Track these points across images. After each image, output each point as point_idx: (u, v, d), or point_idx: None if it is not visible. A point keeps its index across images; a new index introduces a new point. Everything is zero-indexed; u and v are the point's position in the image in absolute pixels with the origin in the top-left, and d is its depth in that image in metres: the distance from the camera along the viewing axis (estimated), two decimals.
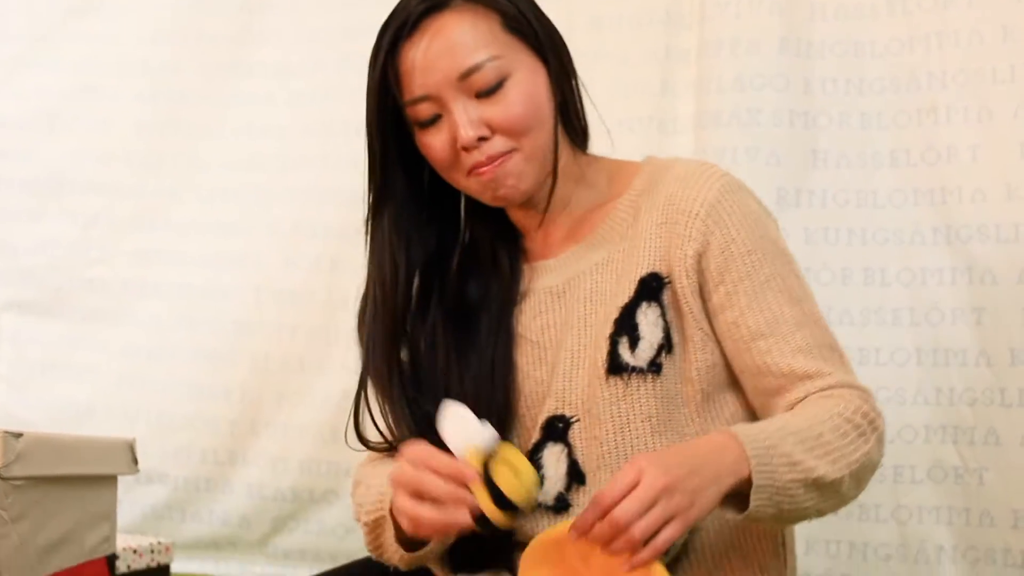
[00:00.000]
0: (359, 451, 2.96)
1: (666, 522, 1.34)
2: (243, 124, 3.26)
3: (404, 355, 1.68)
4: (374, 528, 1.58)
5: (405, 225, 1.67)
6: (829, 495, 1.48)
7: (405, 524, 1.46)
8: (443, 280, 1.69)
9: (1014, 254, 2.56)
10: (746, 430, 1.44)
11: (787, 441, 1.43)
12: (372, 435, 1.69)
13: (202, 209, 3.27)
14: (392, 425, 1.65)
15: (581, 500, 1.59)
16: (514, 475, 1.41)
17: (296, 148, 3.21)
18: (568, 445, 1.59)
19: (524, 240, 1.72)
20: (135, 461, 2.01)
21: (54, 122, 3.35)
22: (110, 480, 1.96)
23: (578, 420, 1.59)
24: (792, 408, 1.54)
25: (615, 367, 1.56)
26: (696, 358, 1.58)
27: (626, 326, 1.57)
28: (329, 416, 3.10)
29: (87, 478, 1.88)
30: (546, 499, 1.60)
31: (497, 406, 1.62)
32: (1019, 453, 2.53)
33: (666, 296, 1.58)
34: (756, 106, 2.71)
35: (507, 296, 1.68)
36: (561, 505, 1.59)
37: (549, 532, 1.48)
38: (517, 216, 1.70)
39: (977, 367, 2.59)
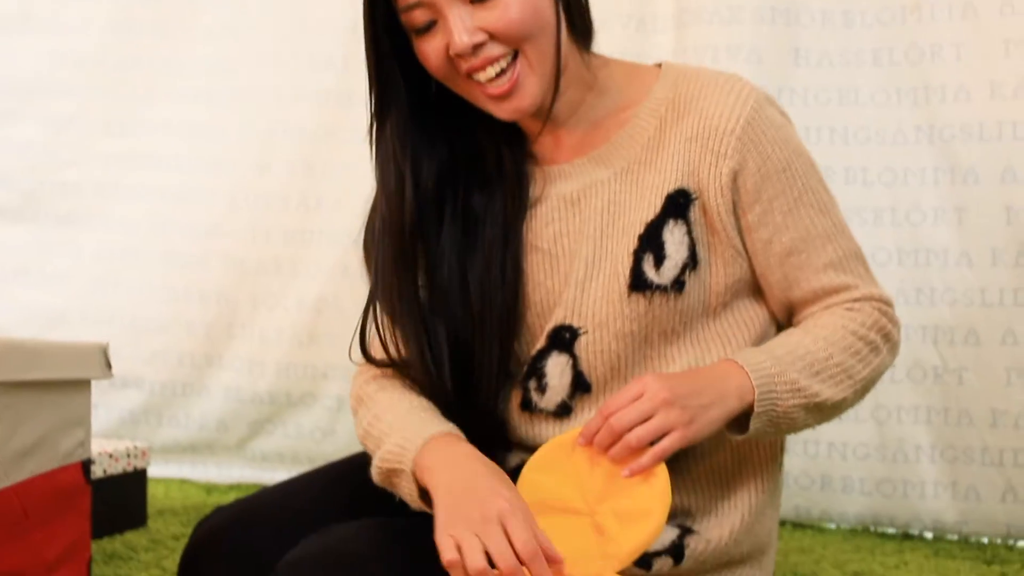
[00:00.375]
0: (337, 361, 2.96)
1: (664, 433, 1.39)
2: (218, 26, 3.20)
3: (418, 277, 1.63)
4: (389, 474, 1.55)
5: (411, 137, 1.61)
6: (831, 413, 1.53)
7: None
8: (456, 193, 1.65)
9: (997, 153, 2.55)
10: (753, 358, 1.47)
11: (795, 367, 1.47)
12: (376, 351, 1.65)
13: (176, 112, 3.22)
14: (400, 345, 1.62)
15: (585, 407, 1.58)
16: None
17: (271, 48, 3.16)
18: (574, 356, 1.57)
19: (534, 145, 1.68)
20: (108, 365, 1.99)
21: (26, 25, 3.29)
22: (83, 385, 1.94)
23: (586, 333, 1.57)
24: (813, 314, 1.58)
25: (638, 284, 1.54)
26: (724, 273, 1.57)
27: (652, 243, 1.55)
28: (306, 319, 3.09)
29: (60, 383, 1.86)
30: (548, 406, 1.59)
31: (504, 315, 1.60)
32: (998, 353, 2.54)
33: (693, 213, 1.55)
34: (737, 3, 2.67)
35: (515, 203, 1.64)
36: (563, 411, 1.59)
37: (558, 439, 1.49)
38: (527, 122, 1.66)
39: (958, 267, 2.59)
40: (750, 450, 1.60)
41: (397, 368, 1.62)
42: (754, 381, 1.44)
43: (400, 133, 1.59)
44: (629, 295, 1.54)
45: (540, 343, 1.58)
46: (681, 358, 1.55)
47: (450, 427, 1.52)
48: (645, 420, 1.39)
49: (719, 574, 1.59)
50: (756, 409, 1.44)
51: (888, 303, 1.60)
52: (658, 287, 1.53)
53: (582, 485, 1.44)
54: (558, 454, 1.46)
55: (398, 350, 1.60)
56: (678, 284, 1.53)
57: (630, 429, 1.38)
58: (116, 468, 2.37)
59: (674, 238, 1.54)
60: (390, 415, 1.57)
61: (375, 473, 1.54)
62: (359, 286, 3.02)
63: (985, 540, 2.58)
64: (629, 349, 1.55)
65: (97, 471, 2.30)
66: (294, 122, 3.13)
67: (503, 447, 1.62)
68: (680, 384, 1.42)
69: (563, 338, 1.57)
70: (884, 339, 1.57)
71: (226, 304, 3.16)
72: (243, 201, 3.16)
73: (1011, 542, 2.55)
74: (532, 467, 1.48)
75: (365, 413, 1.63)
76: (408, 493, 1.50)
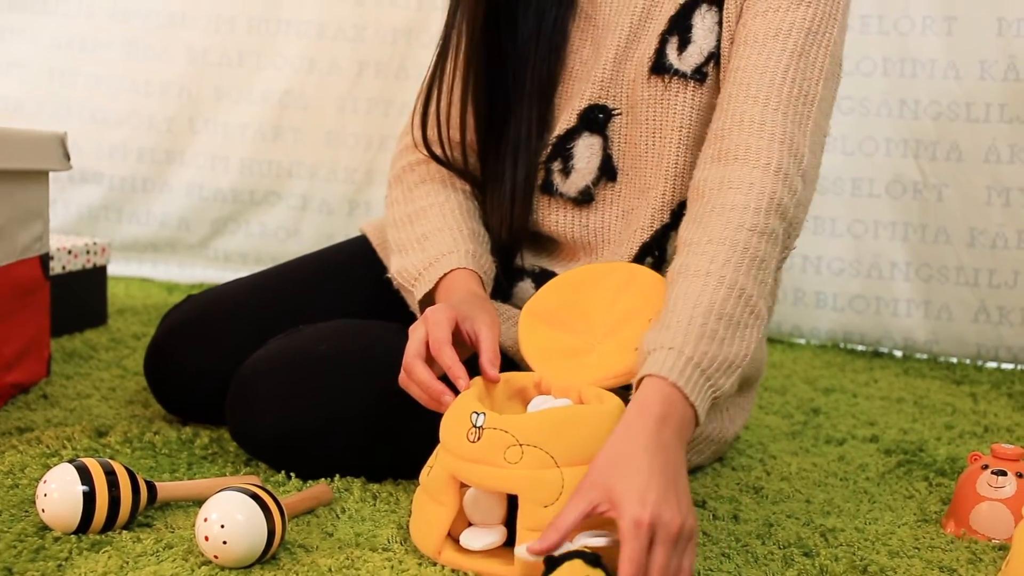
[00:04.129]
0: (303, 158, 2.89)
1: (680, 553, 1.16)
2: None
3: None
4: (401, 285, 1.58)
5: None
6: (765, 323, 1.38)
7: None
8: None
9: None
10: (675, 359, 1.25)
11: (716, 335, 1.28)
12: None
13: None
14: (459, 135, 1.63)
15: (605, 197, 1.56)
16: None
17: None
18: (605, 138, 1.54)
19: None
20: (67, 157, 1.91)
21: None
22: (41, 176, 1.86)
23: (620, 114, 1.53)
24: (702, 212, 1.37)
25: (658, 67, 1.49)
26: None
27: (679, 26, 1.49)
28: (270, 114, 3.00)
29: (15, 173, 1.78)
30: (569, 191, 1.56)
31: (542, 75, 1.57)
32: (981, 170, 2.50)
33: (729, 3, 1.48)
34: None
35: None
36: (584, 198, 1.56)
37: (593, 266, 1.47)
38: None
39: (945, 79, 2.53)
40: None
41: (437, 158, 1.63)
42: (689, 395, 1.23)
43: None
44: (649, 77, 1.50)
45: (571, 121, 1.55)
46: (692, 169, 1.48)
47: (469, 252, 1.53)
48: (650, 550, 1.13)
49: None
50: (700, 418, 1.25)
51: (798, 158, 1.39)
52: (677, 72, 1.48)
53: (592, 316, 1.42)
54: (591, 274, 1.45)
55: (448, 131, 1.61)
56: (699, 74, 1.48)
57: None
58: (75, 264, 2.30)
59: (704, 24, 1.49)
60: (424, 224, 1.59)
61: (391, 269, 1.59)
62: (326, 80, 2.97)
63: (954, 360, 2.58)
64: (647, 142, 1.51)
65: (56, 267, 2.23)
66: None
67: (519, 245, 1.62)
68: (654, 494, 1.13)
69: (596, 118, 1.54)
70: (782, 221, 1.37)
71: (188, 97, 3.05)
72: None
73: (980, 363, 2.55)
74: (559, 283, 1.47)
75: (392, 193, 1.67)
76: (410, 304, 1.56)
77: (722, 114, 1.43)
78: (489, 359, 1.33)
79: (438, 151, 1.64)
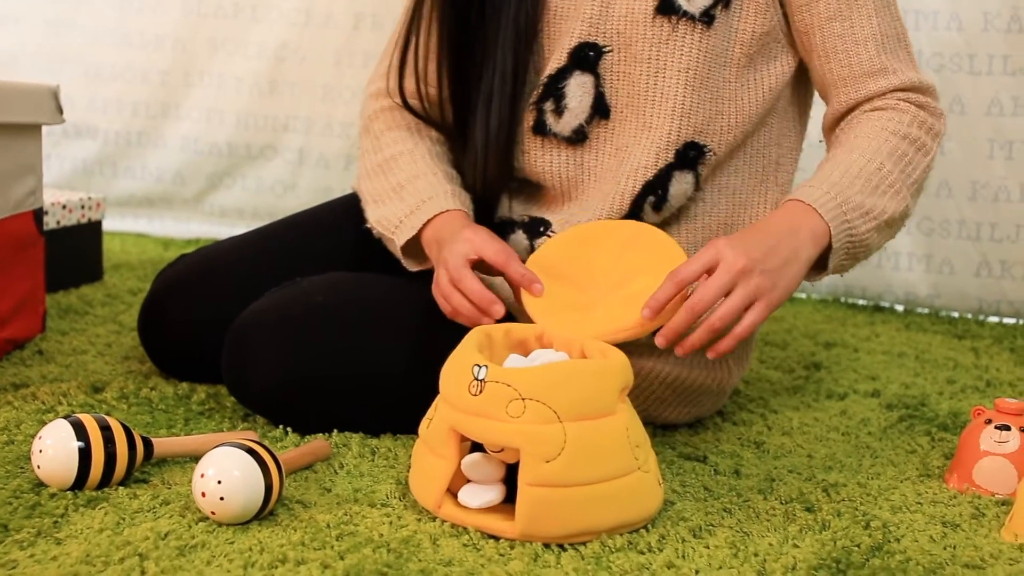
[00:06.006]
0: (299, 111, 2.87)
1: (747, 306, 1.30)
2: None
3: None
4: (381, 234, 1.58)
5: None
6: (897, 227, 1.48)
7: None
8: None
9: None
10: (815, 192, 1.38)
11: (854, 187, 1.39)
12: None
13: None
14: (436, 86, 1.62)
15: (600, 135, 1.54)
16: None
17: None
18: (597, 76, 1.52)
19: None
20: (60, 110, 1.89)
21: None
22: (34, 130, 1.84)
23: (611, 51, 1.51)
24: (850, 122, 1.50)
25: (665, 7, 1.47)
26: (754, 20, 1.50)
27: None
28: (266, 66, 2.97)
29: (8, 127, 1.75)
30: (563, 130, 1.54)
31: (519, 21, 1.55)
32: (983, 123, 2.48)
33: None
34: None
35: None
36: (578, 137, 1.55)
37: (604, 223, 1.47)
38: None
39: (948, 31, 2.50)
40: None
41: (412, 110, 1.65)
42: (826, 218, 1.36)
43: None
44: (654, 17, 1.48)
45: (561, 61, 1.53)
46: (700, 108, 1.49)
47: (448, 192, 1.54)
48: (725, 294, 1.29)
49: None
50: (834, 245, 1.37)
51: (928, 91, 1.52)
52: (685, 14, 1.47)
53: (597, 271, 1.41)
54: (596, 231, 1.45)
55: (425, 80, 1.62)
56: (707, 17, 1.47)
57: (710, 306, 1.28)
58: (70, 219, 2.28)
59: None
60: (397, 173, 1.59)
61: (369, 219, 1.60)
62: (323, 32, 2.94)
63: (956, 314, 2.56)
64: (649, 81, 1.49)
65: (50, 222, 2.21)
66: None
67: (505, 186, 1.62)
68: (755, 246, 1.31)
69: (587, 56, 1.52)
70: (929, 134, 1.50)
71: (183, 50, 3.02)
72: None
73: (982, 317, 2.54)
74: (564, 237, 1.46)
75: (365, 139, 1.68)
76: (393, 251, 1.57)
77: (839, 95, 1.51)
78: (524, 275, 1.40)
79: (413, 100, 1.64)
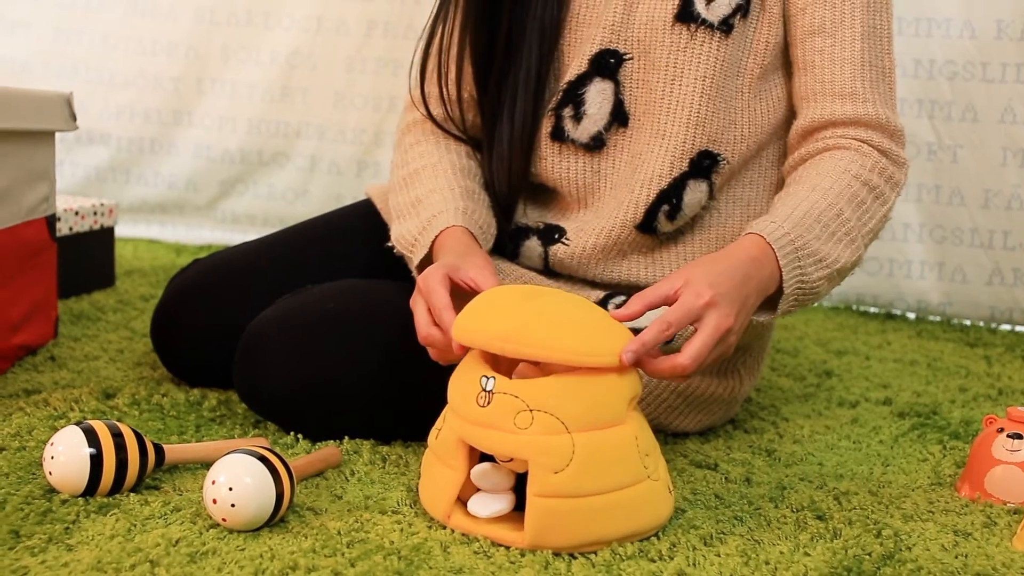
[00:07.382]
0: (311, 119, 2.87)
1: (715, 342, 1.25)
2: None
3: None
4: (400, 252, 1.57)
5: None
6: (846, 275, 1.46)
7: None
8: None
9: None
10: (775, 230, 1.35)
11: (812, 231, 1.37)
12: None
13: None
14: (456, 89, 1.62)
15: (618, 142, 1.54)
16: None
17: None
18: (617, 83, 1.53)
19: None
20: (73, 117, 1.89)
21: None
22: (47, 137, 1.85)
23: (632, 59, 1.52)
24: (814, 160, 1.49)
25: (685, 15, 1.48)
26: (767, 32, 1.51)
27: None
28: (278, 73, 2.98)
29: (21, 133, 1.76)
30: (581, 137, 1.54)
31: (543, 23, 1.55)
32: (996, 131, 2.47)
33: None
34: None
35: None
36: (596, 144, 1.55)
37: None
38: None
39: (961, 39, 2.50)
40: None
41: (433, 118, 1.64)
42: (781, 263, 1.33)
43: None
44: (673, 24, 1.48)
45: (582, 67, 1.54)
46: (715, 118, 1.49)
47: (459, 209, 1.51)
48: (693, 322, 1.25)
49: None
50: (785, 290, 1.35)
51: (895, 135, 1.51)
52: (704, 22, 1.47)
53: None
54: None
55: (449, 91, 1.63)
56: (725, 26, 1.48)
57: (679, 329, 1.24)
58: (83, 226, 2.29)
59: None
60: (417, 187, 1.58)
61: (392, 236, 1.59)
62: (335, 39, 2.95)
63: (968, 322, 2.56)
64: (665, 89, 1.49)
65: (63, 228, 2.22)
66: None
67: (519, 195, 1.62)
68: (722, 278, 1.27)
69: (607, 63, 1.53)
70: (888, 183, 1.48)
71: (195, 57, 3.03)
72: None
73: (994, 325, 2.53)
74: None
75: (398, 152, 1.68)
76: (413, 270, 1.54)
77: (808, 110, 1.51)
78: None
79: (438, 108, 1.64)
